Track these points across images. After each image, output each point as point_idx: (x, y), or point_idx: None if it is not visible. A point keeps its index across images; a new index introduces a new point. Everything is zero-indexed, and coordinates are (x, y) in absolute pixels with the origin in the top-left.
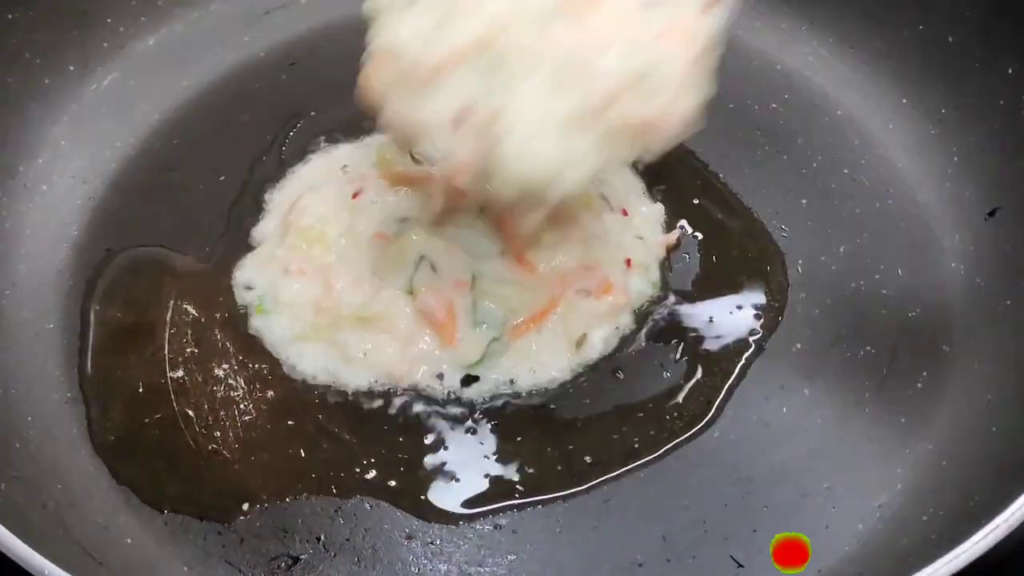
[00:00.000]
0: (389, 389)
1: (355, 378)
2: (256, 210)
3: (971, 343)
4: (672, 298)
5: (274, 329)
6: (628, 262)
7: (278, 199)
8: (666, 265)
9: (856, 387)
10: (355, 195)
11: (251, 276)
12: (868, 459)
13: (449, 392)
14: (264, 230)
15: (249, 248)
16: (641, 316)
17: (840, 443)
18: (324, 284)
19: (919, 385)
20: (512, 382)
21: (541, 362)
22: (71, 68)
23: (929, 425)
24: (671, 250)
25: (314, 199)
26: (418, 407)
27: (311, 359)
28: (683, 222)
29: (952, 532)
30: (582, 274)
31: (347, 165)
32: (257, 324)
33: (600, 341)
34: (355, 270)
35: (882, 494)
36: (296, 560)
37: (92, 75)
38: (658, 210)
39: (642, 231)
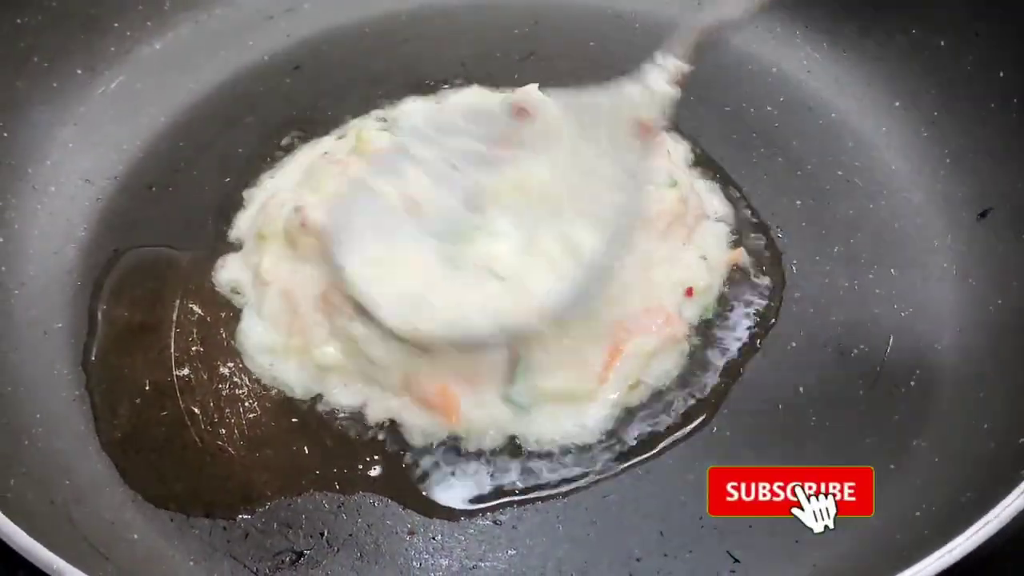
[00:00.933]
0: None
1: (339, 398)
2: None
3: (963, 342)
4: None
5: (251, 337)
6: (689, 291)
7: (260, 197)
8: (726, 285)
9: (850, 385)
10: None
11: (235, 277)
12: (862, 456)
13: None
14: (243, 229)
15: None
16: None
17: (834, 440)
18: (290, 307)
19: (912, 383)
20: (537, 441)
21: (578, 423)
22: (79, 72)
23: (922, 422)
24: (735, 269)
25: (286, 197)
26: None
27: (283, 370)
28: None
29: (945, 528)
30: (644, 316)
31: (328, 152)
32: (240, 327)
33: (654, 379)
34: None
35: (876, 490)
36: (300, 555)
37: (99, 78)
38: (728, 216)
39: (706, 249)
